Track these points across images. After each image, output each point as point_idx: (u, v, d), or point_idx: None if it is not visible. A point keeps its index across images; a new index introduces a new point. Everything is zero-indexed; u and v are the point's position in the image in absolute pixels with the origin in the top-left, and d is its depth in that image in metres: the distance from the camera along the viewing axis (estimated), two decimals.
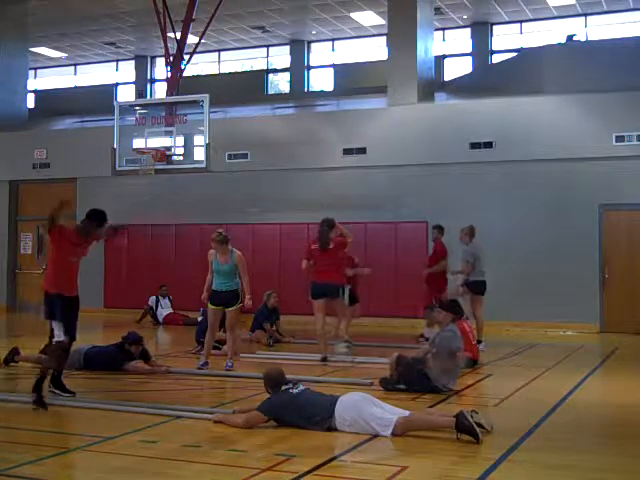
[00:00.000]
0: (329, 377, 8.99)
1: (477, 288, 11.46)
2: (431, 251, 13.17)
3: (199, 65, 24.92)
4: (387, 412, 6.09)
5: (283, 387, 6.35)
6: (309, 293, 10.86)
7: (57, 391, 7.63)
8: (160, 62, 25.23)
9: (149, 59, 26.36)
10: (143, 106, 15.71)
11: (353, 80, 22.17)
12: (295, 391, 6.31)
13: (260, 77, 25.13)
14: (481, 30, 22.60)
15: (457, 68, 22.52)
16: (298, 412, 6.18)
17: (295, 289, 14.74)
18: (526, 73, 15.97)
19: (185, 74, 16.77)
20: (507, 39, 22.79)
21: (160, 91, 25.31)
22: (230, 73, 25.35)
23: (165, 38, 16.16)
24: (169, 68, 16.27)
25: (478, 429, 5.76)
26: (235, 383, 8.67)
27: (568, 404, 7.58)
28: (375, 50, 23.14)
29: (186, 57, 16.36)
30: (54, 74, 27.59)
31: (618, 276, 14.41)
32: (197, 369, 9.47)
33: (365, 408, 6.09)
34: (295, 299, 14.18)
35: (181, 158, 14.34)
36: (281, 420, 6.25)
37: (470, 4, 20.89)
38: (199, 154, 14.15)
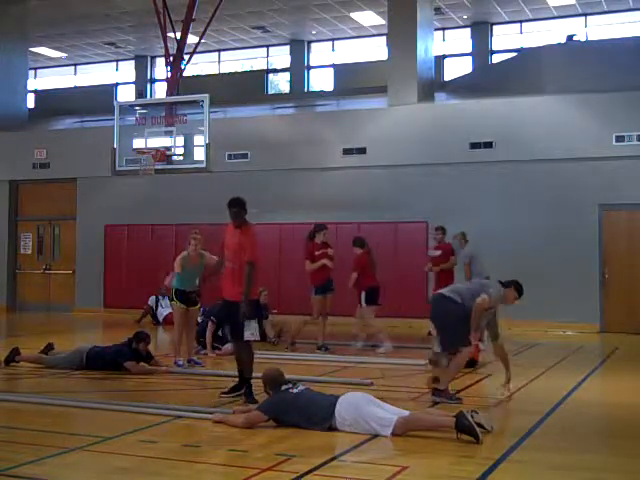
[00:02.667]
0: (329, 377, 8.99)
1: None
2: (433, 251, 13.02)
3: (199, 65, 24.93)
4: (387, 412, 6.08)
5: (283, 387, 6.35)
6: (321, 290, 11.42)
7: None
8: (160, 62, 25.22)
9: (149, 59, 26.36)
10: (143, 106, 15.67)
11: (353, 80, 22.16)
12: (295, 391, 6.30)
13: (260, 77, 25.13)
14: (481, 30, 22.61)
15: (457, 68, 22.52)
16: (298, 412, 6.17)
17: (295, 289, 14.74)
18: (526, 73, 15.96)
19: (185, 74, 16.73)
20: (507, 39, 22.80)
21: (160, 91, 25.31)
22: (230, 73, 25.34)
23: (165, 38, 16.13)
24: (169, 68, 16.23)
25: (478, 429, 5.77)
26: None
27: (568, 404, 7.58)
28: (375, 50, 23.14)
29: (186, 57, 16.32)
30: (54, 74, 27.59)
31: (618, 276, 14.40)
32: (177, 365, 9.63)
33: (365, 408, 6.08)
34: (295, 299, 14.16)
35: (181, 158, 14.29)
36: (281, 420, 6.25)
37: (470, 4, 20.89)
38: (199, 154, 14.13)
